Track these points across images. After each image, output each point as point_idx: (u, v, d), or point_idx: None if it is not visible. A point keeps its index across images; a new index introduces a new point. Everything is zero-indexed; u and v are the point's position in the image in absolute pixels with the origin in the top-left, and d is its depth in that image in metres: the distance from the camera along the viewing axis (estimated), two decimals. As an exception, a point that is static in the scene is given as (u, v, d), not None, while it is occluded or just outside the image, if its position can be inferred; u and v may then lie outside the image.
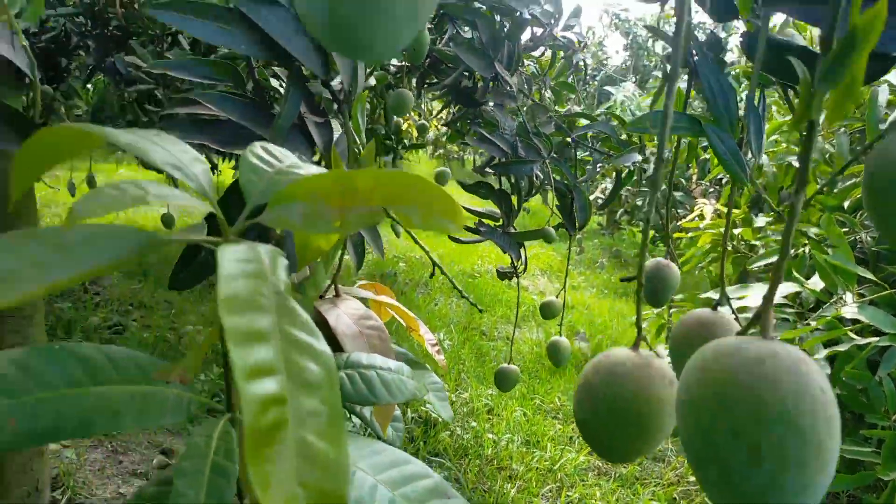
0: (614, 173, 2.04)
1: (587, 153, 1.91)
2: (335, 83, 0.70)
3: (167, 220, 3.13)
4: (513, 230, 1.90)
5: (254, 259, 0.35)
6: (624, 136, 1.84)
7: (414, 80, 2.11)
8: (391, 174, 0.41)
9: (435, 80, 2.07)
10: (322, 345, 0.35)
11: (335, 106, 0.72)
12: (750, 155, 0.64)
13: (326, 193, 0.41)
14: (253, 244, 0.37)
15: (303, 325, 0.34)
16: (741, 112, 0.66)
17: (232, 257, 0.34)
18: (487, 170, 1.85)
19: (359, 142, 0.70)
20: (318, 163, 0.72)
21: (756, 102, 0.62)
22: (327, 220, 0.41)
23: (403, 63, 2.31)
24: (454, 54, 1.73)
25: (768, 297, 0.40)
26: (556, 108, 2.57)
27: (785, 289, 1.98)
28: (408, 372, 0.58)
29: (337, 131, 0.74)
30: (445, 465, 2.51)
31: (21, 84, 0.71)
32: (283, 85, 0.77)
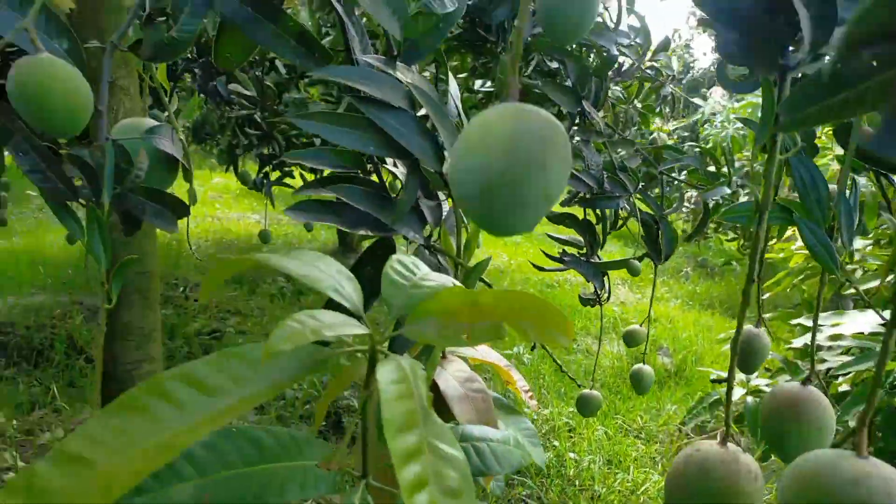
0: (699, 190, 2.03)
1: (672, 167, 1.91)
2: (446, 169, 0.78)
3: (264, 237, 3.33)
4: (597, 259, 1.93)
5: (403, 379, 0.43)
6: (712, 168, 1.84)
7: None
8: (510, 294, 0.48)
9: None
10: (458, 452, 0.42)
11: (446, 187, 0.80)
12: (840, 242, 0.67)
13: (456, 310, 0.48)
14: (397, 360, 0.45)
15: (442, 436, 0.42)
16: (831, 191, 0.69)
17: (387, 379, 0.42)
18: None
19: (466, 222, 0.78)
20: (428, 237, 0.80)
21: (847, 194, 0.65)
22: (457, 332, 0.48)
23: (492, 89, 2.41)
24: (540, 91, 1.79)
25: (863, 419, 0.44)
26: (641, 127, 2.58)
27: (877, 319, 1.92)
28: (514, 441, 0.65)
29: (445, 208, 0.82)
30: (528, 484, 2.56)
31: (174, 168, 0.83)
32: (395, 162, 0.85)
